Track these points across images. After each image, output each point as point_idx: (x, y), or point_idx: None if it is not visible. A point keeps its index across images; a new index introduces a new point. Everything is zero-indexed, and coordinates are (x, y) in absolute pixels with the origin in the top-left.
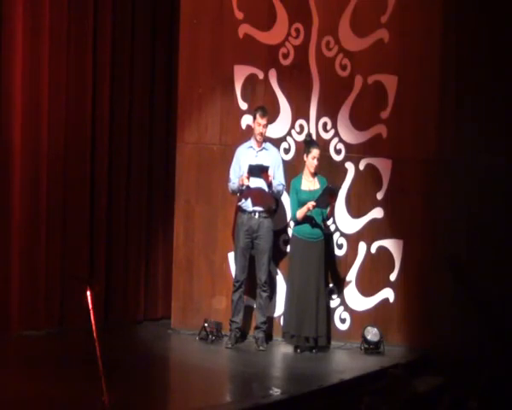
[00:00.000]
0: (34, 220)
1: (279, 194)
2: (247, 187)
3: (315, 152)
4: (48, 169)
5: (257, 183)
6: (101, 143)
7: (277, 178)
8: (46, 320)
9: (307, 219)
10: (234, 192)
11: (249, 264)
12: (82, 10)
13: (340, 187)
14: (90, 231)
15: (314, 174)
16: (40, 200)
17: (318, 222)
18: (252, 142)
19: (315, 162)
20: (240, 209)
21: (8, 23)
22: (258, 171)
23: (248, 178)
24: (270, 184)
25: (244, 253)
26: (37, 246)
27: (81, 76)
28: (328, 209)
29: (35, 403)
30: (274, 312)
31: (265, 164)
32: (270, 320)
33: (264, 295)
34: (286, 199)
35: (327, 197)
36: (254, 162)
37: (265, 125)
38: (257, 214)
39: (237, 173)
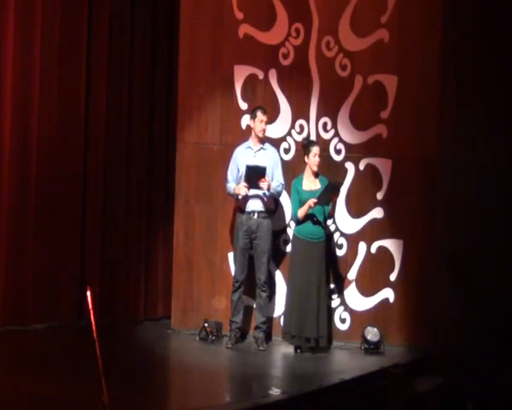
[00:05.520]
0: (22, 218)
1: (279, 194)
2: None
3: (316, 149)
4: (37, 168)
5: (255, 191)
6: (98, 143)
7: (276, 177)
8: (33, 316)
9: (309, 217)
10: (230, 195)
11: (248, 264)
12: (77, 9)
13: (342, 182)
14: (84, 231)
15: (316, 175)
16: (30, 197)
17: (320, 220)
18: (250, 142)
19: (317, 159)
20: (238, 209)
21: (0, 19)
22: (256, 174)
23: (248, 187)
24: (268, 189)
25: (243, 253)
26: (25, 244)
27: (76, 76)
28: (330, 207)
29: (34, 403)
30: (273, 312)
31: (263, 164)
32: (269, 320)
33: (264, 295)
34: (286, 199)
35: (329, 194)
36: (252, 162)
37: (266, 122)
38: (256, 215)
39: (235, 174)
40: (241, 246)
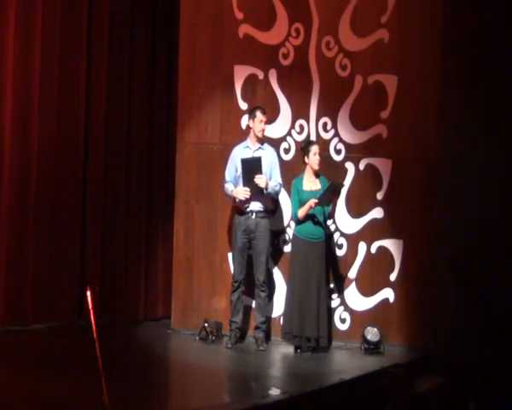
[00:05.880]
0: (22, 218)
1: (277, 194)
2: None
3: (315, 148)
4: (37, 168)
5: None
6: (98, 144)
7: (274, 177)
8: (33, 316)
9: (309, 217)
10: (227, 196)
11: (247, 264)
12: (77, 10)
13: (343, 184)
14: (85, 230)
15: (317, 175)
16: (30, 197)
17: (320, 220)
18: (248, 142)
19: (317, 158)
20: (237, 209)
21: (1, 20)
22: (252, 167)
23: (249, 192)
24: (266, 187)
25: (242, 253)
26: (26, 244)
27: (76, 76)
28: (331, 207)
29: (34, 403)
30: (272, 312)
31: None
32: (268, 320)
33: (263, 294)
34: (286, 199)
35: (330, 195)
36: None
37: (266, 122)
38: (254, 214)
39: (233, 174)
40: (240, 246)
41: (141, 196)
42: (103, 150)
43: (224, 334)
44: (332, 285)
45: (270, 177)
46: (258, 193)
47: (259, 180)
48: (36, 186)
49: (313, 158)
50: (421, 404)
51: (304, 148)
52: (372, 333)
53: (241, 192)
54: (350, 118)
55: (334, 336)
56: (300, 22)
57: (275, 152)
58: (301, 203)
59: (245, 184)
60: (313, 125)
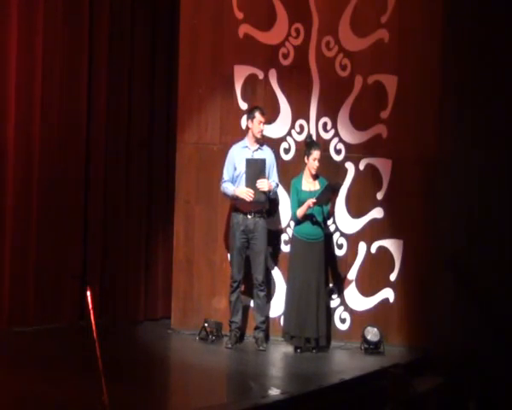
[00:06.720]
0: (25, 220)
1: (275, 194)
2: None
3: (316, 154)
4: (39, 170)
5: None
6: (99, 144)
7: (272, 177)
8: (35, 317)
9: (308, 217)
10: (225, 195)
11: (245, 264)
12: (78, 10)
13: (341, 183)
14: (86, 231)
15: (315, 176)
16: (32, 197)
17: (319, 220)
18: (246, 141)
19: (316, 164)
20: (234, 209)
21: (3, 20)
22: (256, 168)
23: (251, 194)
24: (268, 191)
25: (241, 253)
26: (28, 246)
27: (77, 77)
28: (329, 207)
29: (34, 403)
30: (270, 311)
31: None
32: (267, 320)
33: (262, 294)
34: (285, 199)
35: (328, 194)
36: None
37: (264, 123)
38: (252, 214)
39: (231, 173)
40: (239, 246)
41: (141, 196)
42: (104, 151)
43: (223, 334)
44: (332, 285)
45: (268, 177)
46: (260, 195)
47: (262, 184)
48: (38, 186)
49: (312, 163)
50: (421, 404)
51: (307, 146)
52: (372, 333)
53: (245, 193)
54: (350, 118)
55: (333, 336)
56: (300, 22)
57: (273, 153)
58: (300, 203)
59: (248, 185)
60: (313, 125)
